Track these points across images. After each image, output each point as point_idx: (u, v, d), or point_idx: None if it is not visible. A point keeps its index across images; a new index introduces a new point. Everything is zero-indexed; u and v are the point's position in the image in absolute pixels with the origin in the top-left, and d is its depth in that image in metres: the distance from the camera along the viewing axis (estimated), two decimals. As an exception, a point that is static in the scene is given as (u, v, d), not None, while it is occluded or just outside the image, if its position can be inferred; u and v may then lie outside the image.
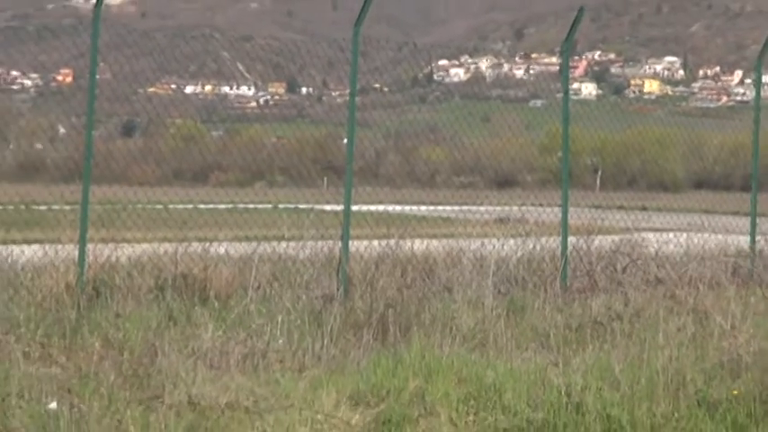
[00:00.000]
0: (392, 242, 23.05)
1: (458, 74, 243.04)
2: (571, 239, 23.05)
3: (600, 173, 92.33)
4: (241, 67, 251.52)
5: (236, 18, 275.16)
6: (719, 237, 28.80)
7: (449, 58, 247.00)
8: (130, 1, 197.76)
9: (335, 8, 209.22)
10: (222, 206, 50.21)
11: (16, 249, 20.83)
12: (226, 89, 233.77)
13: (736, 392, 14.58)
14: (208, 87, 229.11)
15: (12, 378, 12.95)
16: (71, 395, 12.56)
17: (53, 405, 12.14)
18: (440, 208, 55.35)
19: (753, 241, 24.61)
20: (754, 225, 24.85)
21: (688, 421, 13.65)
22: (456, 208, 57.16)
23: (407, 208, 46.08)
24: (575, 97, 27.80)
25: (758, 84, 29.70)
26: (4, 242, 21.24)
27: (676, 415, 13.78)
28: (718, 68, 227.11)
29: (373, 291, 19.08)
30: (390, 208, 39.81)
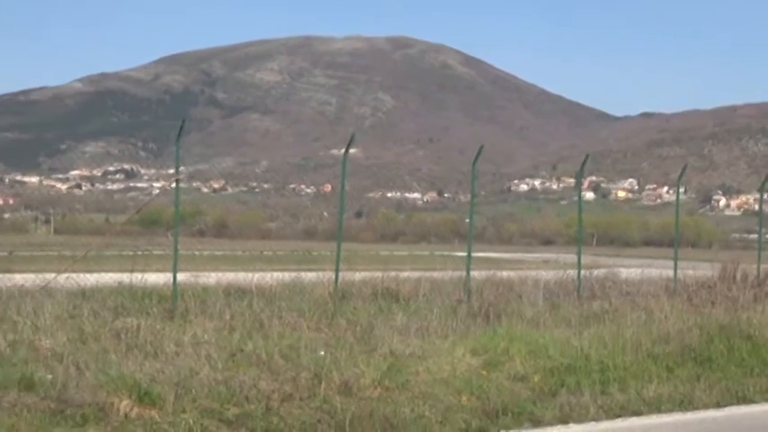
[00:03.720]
0: (491, 272, 22.91)
1: (524, 187, 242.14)
2: (582, 271, 22.75)
3: (595, 237, 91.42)
4: (414, 184, 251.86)
5: (413, 157, 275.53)
6: (658, 270, 28.35)
7: (519, 179, 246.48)
8: (360, 150, 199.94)
9: (462, 154, 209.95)
10: (405, 253, 50.15)
11: (303, 274, 20.86)
12: (407, 194, 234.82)
13: (667, 350, 14.33)
14: (398, 194, 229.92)
15: (301, 339, 12.96)
16: (330, 348, 12.54)
17: (322, 353, 12.13)
18: (515, 255, 54.91)
19: (675, 273, 24.13)
20: (675, 264, 24.36)
21: (643, 365, 13.42)
22: (523, 255, 56.77)
23: (499, 255, 45.85)
24: (583, 199, 27.19)
25: (677, 193, 29.29)
26: (297, 270, 21.32)
27: (636, 362, 13.55)
28: (655, 185, 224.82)
29: (482, 297, 18.98)
30: (490, 255, 39.77)
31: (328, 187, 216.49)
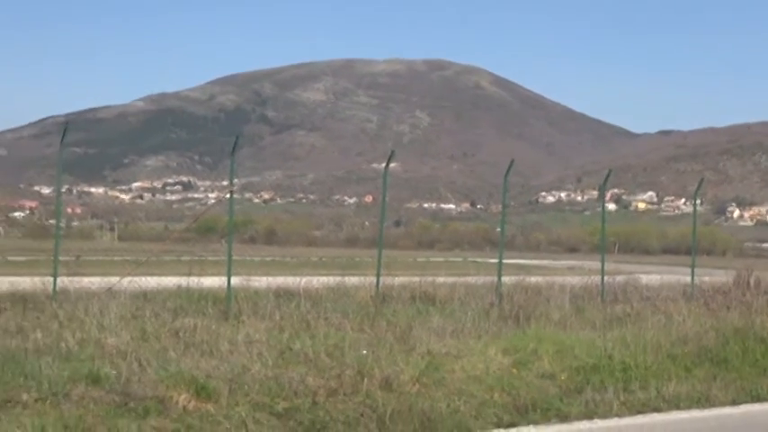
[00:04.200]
0: (520, 277, 22.79)
1: (550, 198, 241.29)
2: (605, 277, 22.60)
3: (617, 245, 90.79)
4: (449, 195, 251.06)
5: (448, 171, 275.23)
6: (676, 276, 28.16)
7: (546, 191, 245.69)
8: (399, 164, 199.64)
9: (493, 168, 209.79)
10: (440, 259, 50.05)
11: (346, 279, 20.81)
12: (442, 205, 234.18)
13: (686, 351, 14.23)
14: (434, 205, 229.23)
15: (345, 339, 12.95)
16: (372, 347, 12.54)
17: (364, 352, 12.12)
18: (543, 261, 54.66)
19: (692, 279, 23.96)
20: (693, 271, 24.20)
21: (663, 365, 13.34)
22: (550, 261, 56.55)
23: (528, 261, 45.64)
24: (606, 210, 27.27)
25: (695, 204, 29.06)
26: (341, 275, 21.27)
27: (657, 362, 13.45)
28: (673, 197, 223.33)
29: (512, 301, 18.90)
30: (519, 261, 39.59)
31: (369, 198, 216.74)
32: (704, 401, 12.06)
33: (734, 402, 12.21)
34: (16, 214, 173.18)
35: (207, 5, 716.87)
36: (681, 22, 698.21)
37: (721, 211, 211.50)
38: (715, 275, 25.83)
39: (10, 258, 45.45)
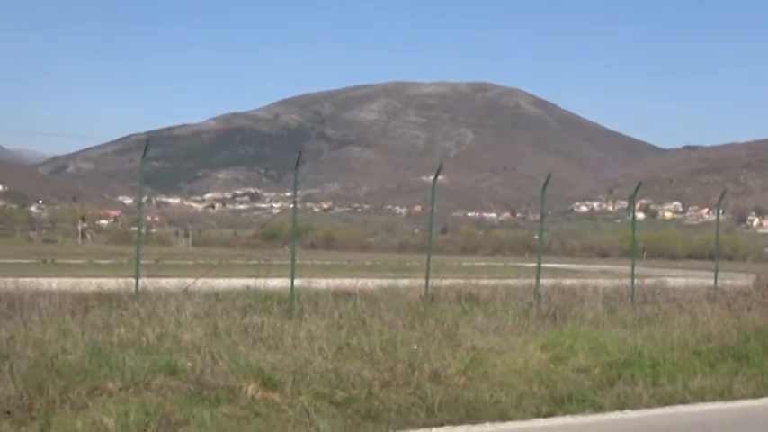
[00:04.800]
0: (557, 280, 22.59)
1: (584, 208, 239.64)
2: (635, 280, 22.35)
3: (645, 251, 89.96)
4: (491, 205, 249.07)
5: (490, 183, 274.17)
6: (700, 280, 27.81)
7: (580, 201, 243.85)
8: (445, 177, 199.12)
9: (531, 180, 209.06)
10: (483, 264, 49.88)
11: (398, 281, 20.69)
12: (485, 214, 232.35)
13: (710, 348, 14.05)
14: (477, 214, 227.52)
15: (397, 335, 12.89)
16: (422, 342, 12.49)
17: (415, 347, 12.08)
18: (577, 266, 54.23)
19: (715, 282, 23.64)
20: (716, 275, 23.87)
21: (689, 361, 13.17)
22: (583, 266, 56.10)
23: (563, 265, 45.33)
24: (635, 219, 26.87)
25: (717, 214, 28.68)
26: (394, 278, 21.16)
27: (683, 358, 13.29)
28: (697, 207, 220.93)
29: (549, 301, 18.76)
30: (556, 265, 39.30)
31: (419, 208, 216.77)
32: (727, 394, 11.90)
33: (755, 395, 12.04)
34: (102, 222, 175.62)
35: (272, 36, 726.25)
36: (705, 47, 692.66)
37: (742, 219, 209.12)
38: (736, 279, 25.49)
39: (96, 261, 46.05)
